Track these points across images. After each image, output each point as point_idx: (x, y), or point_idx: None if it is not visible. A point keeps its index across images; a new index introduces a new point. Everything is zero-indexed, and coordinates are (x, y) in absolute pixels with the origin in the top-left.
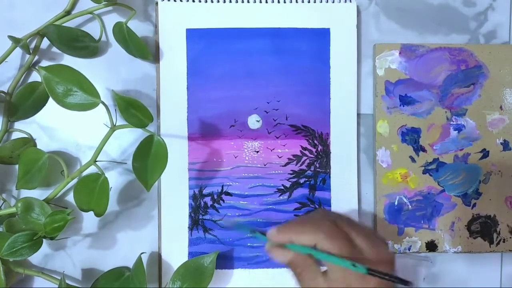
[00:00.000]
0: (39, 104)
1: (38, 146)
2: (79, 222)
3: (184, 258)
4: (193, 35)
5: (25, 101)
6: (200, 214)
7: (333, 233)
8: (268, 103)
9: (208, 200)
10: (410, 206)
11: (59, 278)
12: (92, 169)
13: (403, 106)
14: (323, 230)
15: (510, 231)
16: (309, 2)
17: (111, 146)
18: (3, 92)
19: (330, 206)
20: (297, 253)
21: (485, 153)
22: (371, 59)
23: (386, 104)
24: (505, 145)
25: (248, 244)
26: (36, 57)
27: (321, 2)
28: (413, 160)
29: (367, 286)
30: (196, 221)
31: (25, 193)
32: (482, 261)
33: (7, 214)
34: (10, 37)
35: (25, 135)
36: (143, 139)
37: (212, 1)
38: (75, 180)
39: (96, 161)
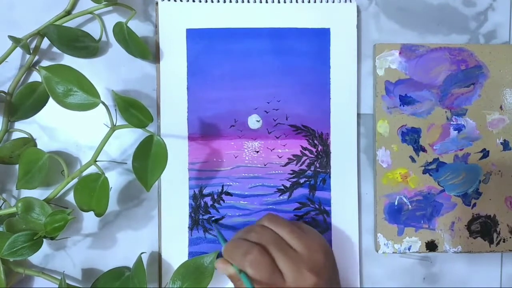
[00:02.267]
0: (39, 104)
1: (38, 146)
2: (79, 222)
3: (184, 258)
4: (193, 35)
5: (25, 101)
6: (200, 214)
7: (256, 261)
8: (268, 103)
9: (208, 200)
10: (410, 206)
11: (59, 278)
12: (92, 169)
13: (403, 106)
14: (249, 259)
15: (510, 231)
16: (309, 2)
17: (111, 146)
18: (3, 92)
19: (329, 206)
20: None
21: (485, 153)
22: (371, 59)
23: (386, 104)
24: (505, 145)
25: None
26: (36, 57)
27: (321, 2)
28: (413, 160)
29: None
30: (196, 221)
31: (26, 193)
32: (482, 261)
33: (7, 214)
34: (10, 37)
35: (25, 135)
36: (143, 139)
37: (212, 1)
38: (75, 180)
39: (96, 161)
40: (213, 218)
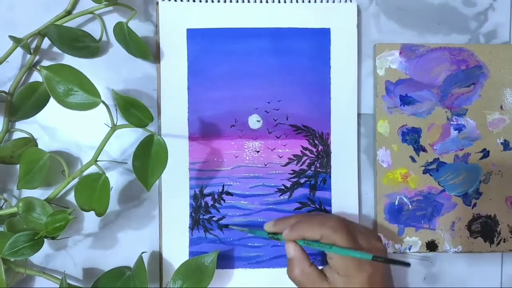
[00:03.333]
0: (40, 104)
1: (39, 146)
2: (80, 222)
3: (185, 257)
4: (193, 35)
5: (26, 101)
6: (201, 214)
7: (337, 227)
8: (268, 103)
9: (209, 200)
10: (410, 206)
11: (60, 277)
12: (93, 169)
13: (404, 106)
14: (329, 225)
15: (511, 231)
16: (309, 2)
17: (112, 146)
18: (4, 92)
19: (330, 206)
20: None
21: (485, 153)
22: (372, 59)
23: (386, 104)
24: (505, 145)
25: (249, 244)
26: (37, 57)
27: (321, 2)
28: (413, 160)
29: (364, 273)
30: (196, 221)
31: (26, 193)
32: (482, 261)
33: (8, 214)
34: (11, 37)
35: (26, 135)
36: (143, 138)
37: (212, 1)
38: (76, 180)
39: (97, 161)
40: (226, 225)
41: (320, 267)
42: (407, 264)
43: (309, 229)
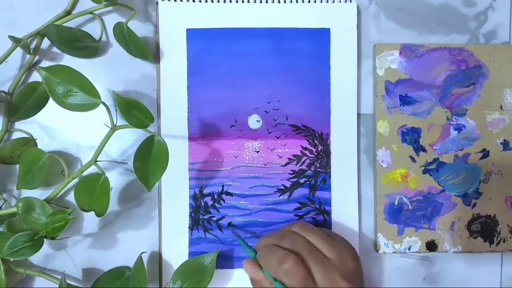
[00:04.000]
0: (39, 104)
1: (39, 146)
2: (79, 222)
3: (185, 257)
4: (193, 35)
5: (26, 101)
6: (200, 214)
7: (292, 271)
8: (268, 103)
9: (208, 200)
10: (410, 206)
11: (60, 278)
12: (92, 169)
13: (403, 106)
14: (285, 267)
15: (510, 231)
16: (309, 2)
17: (112, 146)
18: (3, 92)
19: (330, 206)
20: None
21: (485, 153)
22: (371, 59)
23: (386, 104)
24: (505, 145)
25: (249, 244)
26: (37, 57)
27: (321, 2)
28: (413, 160)
29: None
30: (196, 221)
31: (26, 193)
32: (482, 261)
33: (8, 214)
34: (11, 37)
35: (25, 135)
36: (144, 139)
37: (212, 1)
38: (75, 180)
39: (97, 161)
40: (229, 222)
41: None
42: None
43: (266, 265)
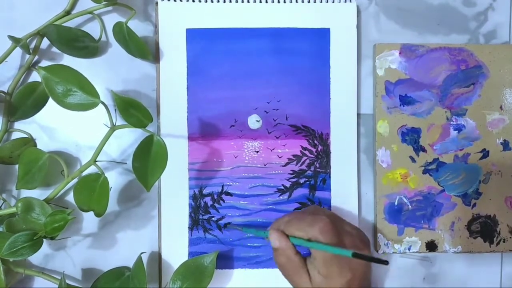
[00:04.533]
0: (39, 104)
1: (38, 146)
2: (79, 222)
3: (184, 258)
4: (193, 35)
5: (25, 101)
6: (200, 214)
7: (325, 230)
8: (268, 103)
9: (208, 200)
10: (410, 206)
11: (59, 278)
12: (92, 169)
13: (403, 106)
14: (318, 226)
15: (510, 231)
16: (309, 2)
17: (111, 146)
18: (3, 92)
19: (330, 206)
20: (291, 245)
21: (485, 153)
22: (371, 59)
23: (386, 104)
24: (505, 145)
25: (248, 244)
26: (36, 57)
27: (321, 2)
28: (413, 160)
29: (343, 278)
30: (196, 221)
31: (25, 193)
32: (482, 261)
33: (7, 214)
34: (10, 37)
35: (25, 135)
36: (143, 139)
37: (212, 1)
38: (75, 180)
39: (96, 161)
40: (227, 223)
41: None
42: (386, 262)
43: (298, 229)
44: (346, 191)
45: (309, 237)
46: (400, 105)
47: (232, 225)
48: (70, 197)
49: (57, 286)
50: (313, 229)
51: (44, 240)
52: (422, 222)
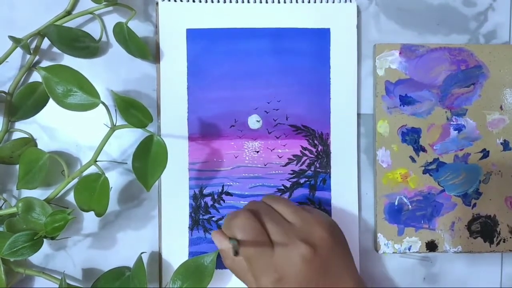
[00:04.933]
0: (39, 104)
1: (39, 146)
2: (79, 222)
3: (185, 258)
4: (193, 35)
5: (26, 101)
6: (200, 214)
7: (242, 223)
8: (268, 103)
9: (208, 200)
10: (410, 206)
11: (60, 278)
12: (92, 169)
13: (403, 106)
14: (236, 221)
15: (510, 231)
16: (309, 2)
17: (111, 146)
18: (3, 92)
19: (330, 206)
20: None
21: (485, 153)
22: (371, 59)
23: (386, 104)
24: (505, 145)
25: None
26: (37, 57)
27: (321, 2)
28: (413, 160)
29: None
30: (196, 221)
31: (26, 193)
32: (482, 261)
33: (7, 214)
34: (11, 37)
35: (25, 135)
36: (143, 139)
37: (212, 1)
38: (75, 180)
39: (97, 161)
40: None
41: None
42: (235, 253)
43: (225, 228)
44: (346, 191)
45: (230, 235)
46: (400, 105)
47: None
48: (71, 197)
49: (57, 286)
50: (231, 224)
51: (45, 240)
52: (422, 222)
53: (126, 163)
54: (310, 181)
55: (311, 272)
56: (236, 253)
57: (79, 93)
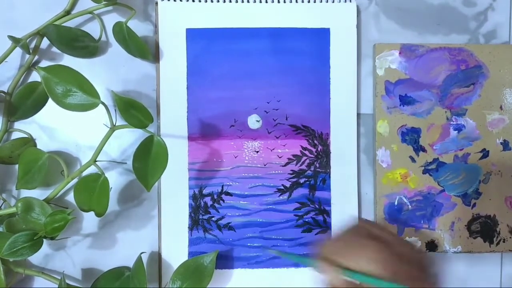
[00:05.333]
0: (39, 104)
1: (38, 146)
2: (79, 222)
3: (184, 257)
4: (193, 35)
5: (25, 101)
6: (200, 214)
7: (374, 259)
8: (268, 103)
9: (208, 200)
10: (410, 206)
11: (59, 278)
12: (92, 169)
13: (403, 106)
14: (365, 254)
15: (510, 231)
16: (309, 2)
17: (111, 146)
18: (3, 92)
19: (329, 206)
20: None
21: (485, 153)
22: (371, 59)
23: (386, 104)
24: (505, 145)
25: (248, 244)
26: (36, 57)
27: (321, 2)
28: (413, 160)
29: None
30: (196, 221)
31: (25, 193)
32: (482, 261)
33: (7, 214)
34: (10, 37)
35: (25, 135)
36: (143, 139)
37: (212, 1)
38: (75, 180)
39: (96, 161)
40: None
41: None
42: None
43: (346, 260)
44: (346, 191)
45: (357, 268)
46: (400, 105)
47: (271, 250)
48: (70, 197)
49: (57, 286)
50: (362, 259)
51: (44, 240)
52: (422, 222)
53: (126, 163)
54: (310, 181)
55: None
56: None
57: (78, 93)
